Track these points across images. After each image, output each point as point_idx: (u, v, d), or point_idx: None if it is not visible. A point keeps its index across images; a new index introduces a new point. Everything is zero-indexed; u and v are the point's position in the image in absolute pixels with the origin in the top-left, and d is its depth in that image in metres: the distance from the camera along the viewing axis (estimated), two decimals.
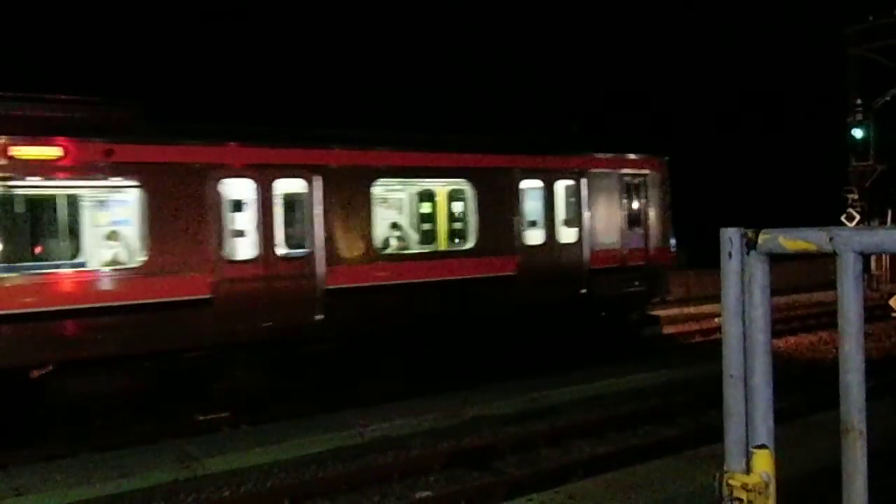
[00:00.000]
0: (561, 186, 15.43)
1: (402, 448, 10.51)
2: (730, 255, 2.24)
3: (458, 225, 14.82)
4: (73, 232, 11.44)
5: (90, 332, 10.67)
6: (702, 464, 8.24)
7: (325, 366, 12.70)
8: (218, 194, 11.70)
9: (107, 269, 11.12)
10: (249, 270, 11.88)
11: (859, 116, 29.14)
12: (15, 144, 10.27)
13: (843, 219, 28.00)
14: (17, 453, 9.98)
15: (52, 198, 11.22)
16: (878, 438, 2.48)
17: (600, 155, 16.04)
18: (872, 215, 28.84)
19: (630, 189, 16.28)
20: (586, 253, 15.39)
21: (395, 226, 14.56)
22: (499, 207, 14.41)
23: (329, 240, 12.51)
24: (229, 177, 11.85)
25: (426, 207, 15.23)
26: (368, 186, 13.05)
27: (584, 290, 15.30)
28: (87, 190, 11.24)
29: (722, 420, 2.32)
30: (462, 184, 14.35)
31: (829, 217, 27.90)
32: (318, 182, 12.46)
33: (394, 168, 13.60)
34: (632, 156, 16.55)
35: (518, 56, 34.68)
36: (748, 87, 36.20)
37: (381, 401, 12.12)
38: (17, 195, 10.42)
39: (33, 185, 10.68)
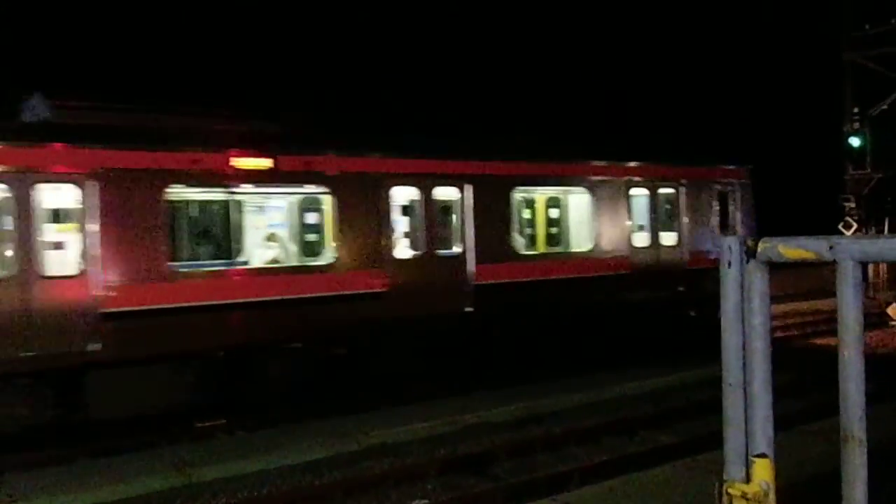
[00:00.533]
0: (663, 193, 16.88)
1: (399, 454, 10.49)
2: (729, 263, 2.24)
3: (579, 228, 16.04)
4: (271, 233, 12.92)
5: (294, 319, 12.17)
6: (701, 471, 8.22)
7: (471, 353, 13.94)
8: (390, 200, 13.13)
9: (303, 264, 12.64)
10: (414, 267, 13.23)
11: (856, 125, 29.23)
12: (236, 156, 11.83)
13: (840, 227, 28.03)
14: (12, 458, 9.94)
15: (261, 202, 12.91)
16: (877, 443, 2.48)
17: (696, 165, 17.71)
18: (869, 223, 28.89)
19: (720, 196, 17.99)
20: (685, 254, 16.86)
21: (527, 229, 15.69)
22: (614, 213, 16.05)
23: (478, 241, 13.90)
24: (398, 185, 13.30)
25: (553, 212, 16.41)
26: (508, 193, 14.55)
27: (681, 288, 16.59)
28: (294, 196, 12.94)
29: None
30: (584, 191, 15.71)
31: (825, 225, 27.96)
32: (468, 190, 13.85)
33: (528, 177, 15.09)
34: (722, 165, 18.29)
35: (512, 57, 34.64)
36: (745, 94, 36.29)
37: (379, 407, 12.10)
38: (237, 200, 12.20)
39: (247, 192, 12.30)
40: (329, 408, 12.08)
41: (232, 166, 11.78)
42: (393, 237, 13.23)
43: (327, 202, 12.66)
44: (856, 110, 29.16)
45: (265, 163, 12.09)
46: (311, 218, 12.98)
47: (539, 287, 14.62)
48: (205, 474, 9.51)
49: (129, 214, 10.94)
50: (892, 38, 27.99)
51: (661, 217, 16.81)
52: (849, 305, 2.04)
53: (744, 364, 2.25)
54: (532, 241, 15.73)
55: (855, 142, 29.37)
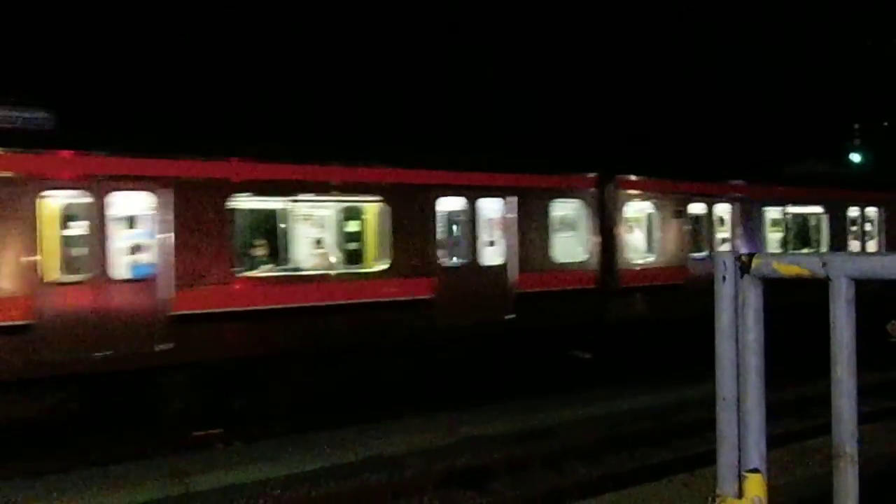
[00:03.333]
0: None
1: (396, 467, 10.45)
2: (724, 278, 2.25)
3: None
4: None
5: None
6: (698, 486, 8.21)
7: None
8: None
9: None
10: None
11: (857, 141, 29.32)
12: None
13: None
14: (10, 466, 9.92)
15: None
16: (870, 461, 2.48)
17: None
18: None
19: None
20: None
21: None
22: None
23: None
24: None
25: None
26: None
27: None
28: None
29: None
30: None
31: None
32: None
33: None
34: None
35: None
36: (745, 109, 36.20)
37: (377, 419, 12.07)
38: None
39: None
40: (327, 419, 12.05)
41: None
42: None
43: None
44: (857, 126, 29.27)
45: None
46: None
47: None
48: (201, 484, 9.49)
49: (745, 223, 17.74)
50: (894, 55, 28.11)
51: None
52: (842, 323, 2.04)
53: (738, 380, 2.25)
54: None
55: (856, 158, 29.47)
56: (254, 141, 14.29)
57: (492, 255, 14.51)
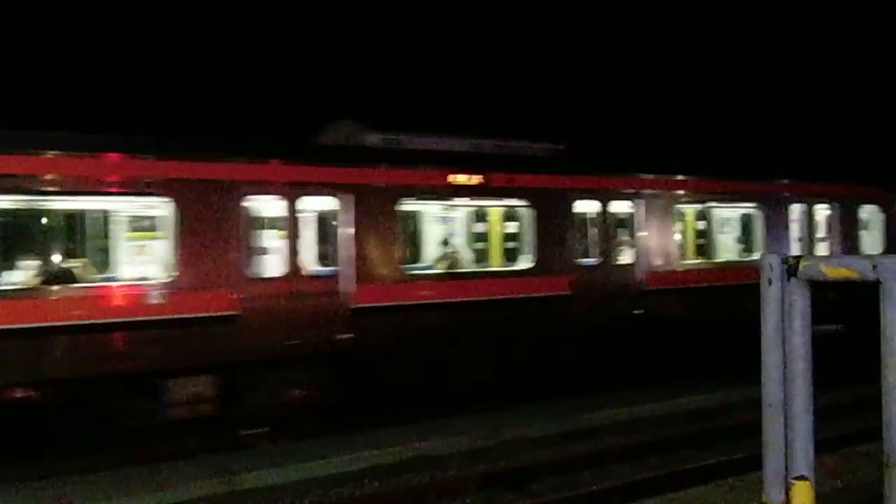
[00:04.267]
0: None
1: (439, 468, 10.47)
2: (770, 281, 2.20)
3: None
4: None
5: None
6: (747, 491, 8.07)
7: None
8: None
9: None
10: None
11: None
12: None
13: None
14: (59, 463, 10.16)
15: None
16: None
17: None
18: None
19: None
20: None
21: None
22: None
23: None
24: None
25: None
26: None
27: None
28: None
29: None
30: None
31: None
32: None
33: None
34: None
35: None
36: (809, 95, 35.01)
37: (419, 419, 12.10)
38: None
39: None
40: (371, 419, 12.11)
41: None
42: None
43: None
44: None
45: None
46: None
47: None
48: (247, 482, 9.61)
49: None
50: None
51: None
52: (894, 327, 1.99)
53: (784, 385, 2.21)
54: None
55: None
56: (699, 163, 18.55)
57: (822, 248, 18.03)
